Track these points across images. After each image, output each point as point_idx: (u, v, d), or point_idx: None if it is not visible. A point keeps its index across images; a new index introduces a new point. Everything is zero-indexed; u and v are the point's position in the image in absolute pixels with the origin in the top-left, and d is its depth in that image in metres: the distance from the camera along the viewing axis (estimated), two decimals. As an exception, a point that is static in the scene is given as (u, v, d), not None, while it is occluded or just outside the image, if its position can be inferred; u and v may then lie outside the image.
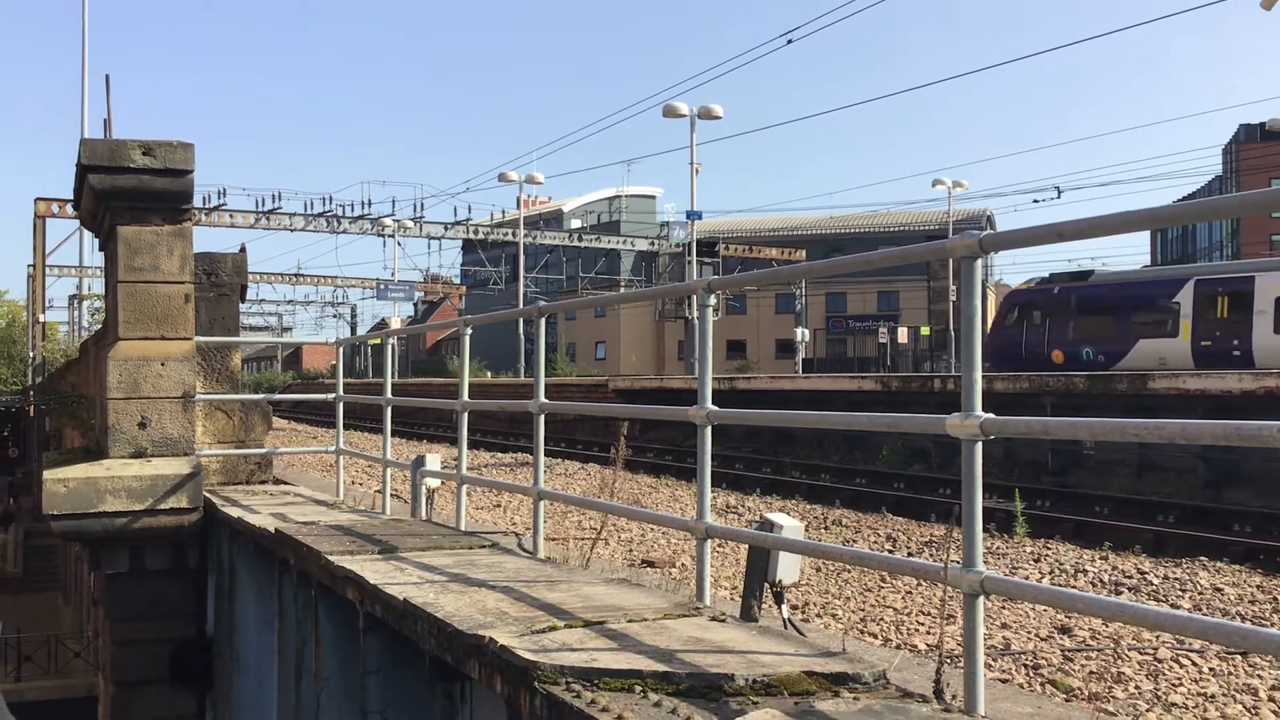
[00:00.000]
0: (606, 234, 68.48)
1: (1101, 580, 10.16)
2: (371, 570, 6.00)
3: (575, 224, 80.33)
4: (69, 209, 36.58)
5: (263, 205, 52.24)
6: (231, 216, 51.47)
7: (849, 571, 9.95)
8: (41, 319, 45.17)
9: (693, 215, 42.72)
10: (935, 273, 53.71)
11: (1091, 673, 6.76)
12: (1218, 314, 30.72)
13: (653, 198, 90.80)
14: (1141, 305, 33.55)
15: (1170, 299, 32.37)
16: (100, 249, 11.81)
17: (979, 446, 3.63)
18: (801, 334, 39.59)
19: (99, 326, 21.46)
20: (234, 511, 9.35)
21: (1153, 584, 9.94)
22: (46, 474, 9.65)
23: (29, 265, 47.26)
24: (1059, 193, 54.30)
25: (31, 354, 43.78)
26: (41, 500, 9.76)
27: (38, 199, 43.21)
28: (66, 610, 29.41)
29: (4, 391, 55.01)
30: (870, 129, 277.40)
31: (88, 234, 27.66)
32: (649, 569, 9.61)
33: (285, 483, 12.26)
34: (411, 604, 5.11)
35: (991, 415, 3.58)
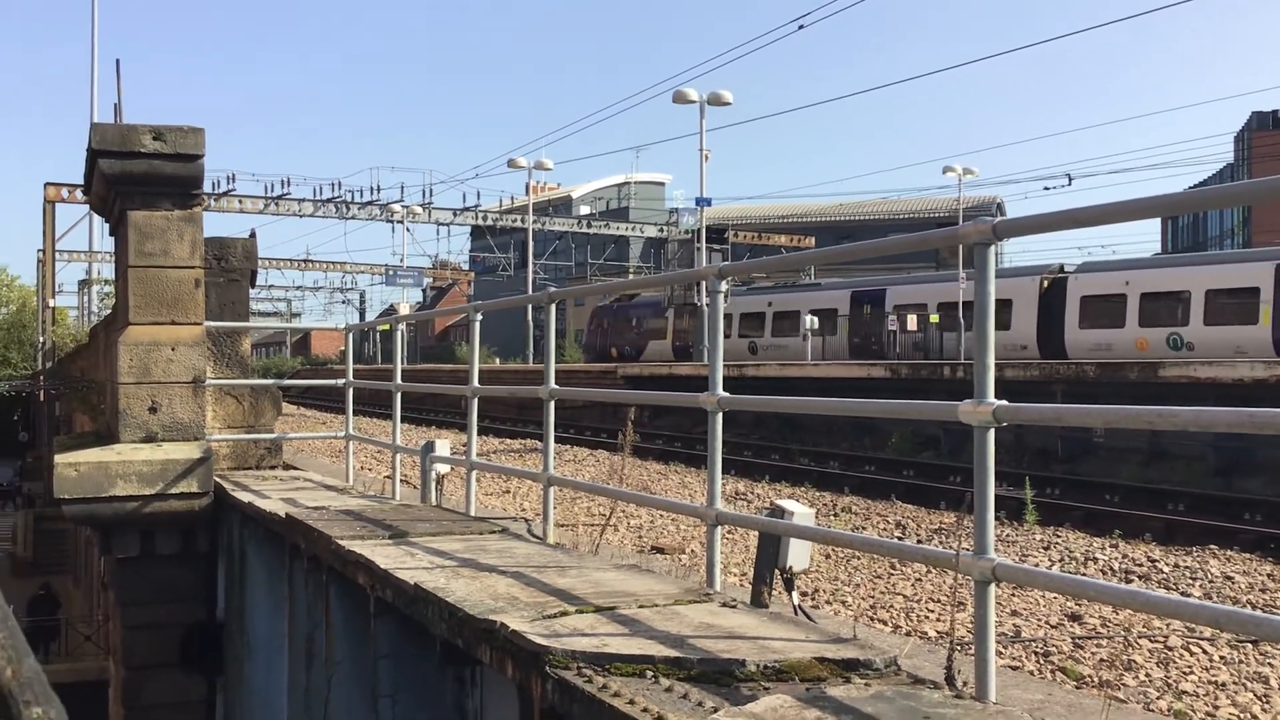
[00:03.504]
0: (615, 220, 68.35)
1: (1111, 568, 10.15)
2: (382, 555, 6.01)
3: (584, 210, 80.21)
4: (79, 194, 36.59)
5: (272, 191, 52.23)
6: (241, 202, 51.46)
7: (859, 558, 9.96)
8: (51, 304, 45.23)
9: (702, 202, 42.58)
10: (944, 260, 53.49)
11: (1102, 660, 6.76)
12: (684, 325, 45.33)
13: (662, 184, 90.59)
14: (649, 318, 47.96)
15: (663, 314, 46.92)
16: (110, 234, 11.83)
17: (991, 433, 3.62)
18: (810, 321, 39.32)
19: (109, 311, 21.50)
20: (244, 496, 9.38)
21: (1163, 572, 9.94)
22: (57, 458, 9.68)
23: (39, 250, 47.27)
24: (1070, 180, 53.74)
25: (41, 339, 43.89)
26: (52, 484, 9.79)
27: (47, 184, 43.17)
28: (77, 594, 29.51)
29: (14, 376, 55.10)
30: (881, 116, 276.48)
31: (98, 219, 27.69)
32: (659, 555, 9.62)
33: (295, 468, 12.29)
34: (422, 589, 5.12)
35: (1004, 402, 3.56)
